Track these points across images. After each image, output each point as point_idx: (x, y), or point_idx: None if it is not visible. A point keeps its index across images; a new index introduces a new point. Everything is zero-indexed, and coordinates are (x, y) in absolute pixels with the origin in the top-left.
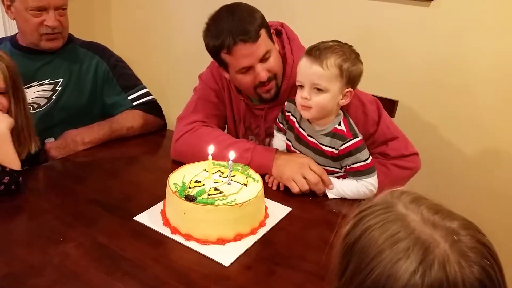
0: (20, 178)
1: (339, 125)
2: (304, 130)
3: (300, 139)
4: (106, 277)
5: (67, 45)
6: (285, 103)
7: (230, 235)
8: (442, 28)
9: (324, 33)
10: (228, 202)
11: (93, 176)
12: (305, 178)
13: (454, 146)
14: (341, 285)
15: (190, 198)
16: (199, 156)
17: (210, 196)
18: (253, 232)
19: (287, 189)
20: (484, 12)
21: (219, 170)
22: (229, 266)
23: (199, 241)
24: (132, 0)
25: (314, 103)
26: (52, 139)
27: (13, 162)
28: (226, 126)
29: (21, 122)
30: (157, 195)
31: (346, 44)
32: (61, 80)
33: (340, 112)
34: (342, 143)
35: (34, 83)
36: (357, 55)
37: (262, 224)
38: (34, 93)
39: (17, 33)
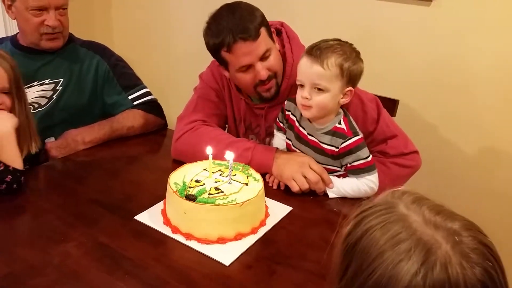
0: (22, 177)
1: (340, 123)
2: (304, 129)
3: (300, 137)
4: (107, 277)
5: (68, 45)
6: (285, 102)
7: (230, 235)
8: (442, 27)
9: (324, 32)
10: (228, 202)
11: (94, 175)
12: (305, 177)
13: (455, 146)
14: (342, 286)
15: (190, 198)
16: (199, 155)
17: (211, 196)
18: (253, 231)
19: (287, 188)
20: (484, 12)
21: (219, 170)
22: (229, 266)
23: (199, 240)
24: (133, 0)
25: (315, 103)
26: (53, 139)
27: (16, 162)
28: (227, 125)
29: (22, 121)
30: (158, 195)
31: (347, 42)
32: (62, 79)
33: (340, 110)
34: (343, 141)
35: (35, 83)
36: (358, 53)
37: (262, 223)
38: (34, 93)
39: (18, 33)
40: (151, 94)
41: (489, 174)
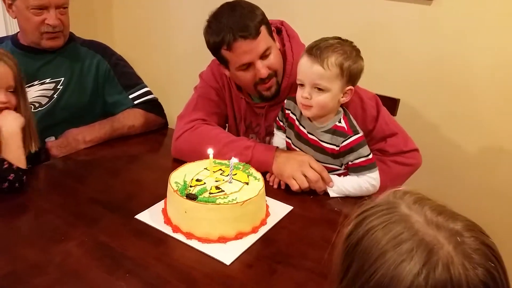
0: (24, 177)
1: (340, 122)
2: (304, 128)
3: (300, 136)
4: (108, 276)
5: (68, 44)
6: (285, 101)
7: (231, 234)
8: (443, 26)
9: (324, 31)
10: (229, 201)
11: (95, 174)
12: (305, 176)
13: (455, 145)
14: (343, 286)
15: (191, 197)
16: (199, 154)
17: (211, 195)
18: (254, 230)
19: (288, 187)
20: (485, 11)
21: (220, 169)
22: (230, 265)
23: (200, 239)
24: None
25: (315, 102)
26: (53, 138)
27: (20, 161)
28: (227, 124)
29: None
30: (159, 194)
31: (347, 41)
32: (63, 79)
33: (340, 109)
34: (343, 139)
35: (36, 82)
36: (358, 51)
37: (263, 222)
38: (35, 92)
39: (18, 32)
40: (152, 93)
41: (490, 173)
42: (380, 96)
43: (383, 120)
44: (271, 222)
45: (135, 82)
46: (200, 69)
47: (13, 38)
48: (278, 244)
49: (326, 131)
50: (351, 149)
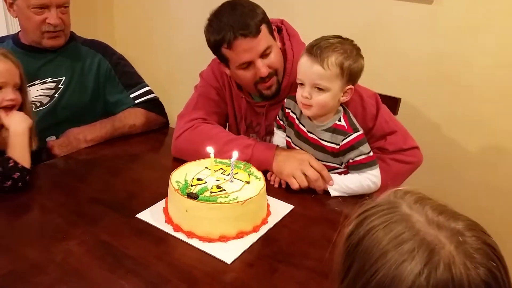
0: (28, 176)
1: (339, 120)
2: (303, 126)
3: (300, 135)
4: (109, 275)
5: (69, 43)
6: (285, 100)
7: (232, 233)
8: (444, 25)
9: (325, 31)
10: (230, 200)
11: (96, 174)
12: (305, 175)
13: (457, 143)
14: (344, 286)
15: (192, 196)
16: (199, 153)
17: (212, 194)
18: (255, 229)
19: (289, 186)
20: (486, 10)
21: (221, 168)
22: (231, 264)
23: (201, 238)
24: None
25: (315, 102)
26: (54, 138)
27: (26, 161)
28: (228, 124)
29: None
30: (160, 193)
31: (348, 39)
32: (64, 78)
33: (340, 108)
34: (344, 138)
35: (37, 82)
36: (358, 50)
37: (264, 221)
38: (36, 92)
39: (19, 31)
40: (153, 93)
41: (491, 171)
42: (381, 95)
43: (382, 118)
44: (272, 221)
45: (136, 81)
46: (201, 68)
47: (14, 38)
48: (279, 243)
49: (326, 130)
50: (351, 147)
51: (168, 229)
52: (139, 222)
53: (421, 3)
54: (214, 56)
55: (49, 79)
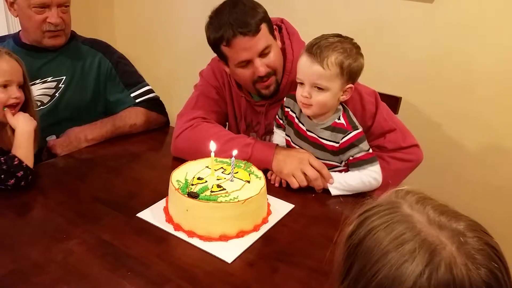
0: (31, 176)
1: (339, 119)
2: (303, 125)
3: (299, 134)
4: (110, 274)
5: (70, 42)
6: (284, 99)
7: (232, 232)
8: (445, 24)
9: (325, 29)
10: (230, 199)
11: (96, 173)
12: (304, 174)
13: (457, 143)
14: (345, 286)
15: (192, 195)
16: (199, 152)
17: (213, 193)
18: (255, 229)
19: (289, 186)
20: (487, 8)
21: (221, 167)
22: (232, 263)
23: (202, 238)
24: None
25: (315, 102)
26: (54, 137)
27: (29, 160)
28: (228, 123)
29: None
30: (160, 192)
31: (347, 38)
32: (64, 77)
33: (340, 106)
34: (343, 136)
35: (37, 81)
36: (358, 49)
37: (264, 221)
38: (37, 91)
39: (20, 30)
40: (153, 92)
41: (492, 171)
42: (381, 94)
43: (381, 116)
44: (273, 220)
45: (137, 80)
46: (202, 68)
47: (15, 37)
48: (279, 242)
49: (326, 128)
50: (351, 144)
51: (169, 228)
52: (140, 221)
53: (421, 2)
54: (214, 55)
55: (49, 79)
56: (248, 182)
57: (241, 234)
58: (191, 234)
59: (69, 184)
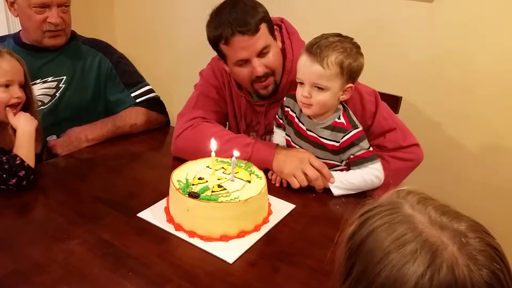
0: (32, 176)
1: (339, 118)
2: (303, 125)
3: (299, 133)
4: (111, 274)
5: (70, 42)
6: (284, 98)
7: (233, 232)
8: (445, 24)
9: (325, 29)
10: (231, 199)
11: (97, 173)
12: (305, 174)
13: (458, 143)
14: (346, 287)
15: (193, 195)
16: (199, 152)
17: (214, 193)
18: (256, 229)
19: (290, 185)
20: (487, 8)
21: (222, 167)
22: (233, 263)
23: (202, 238)
24: None
25: (315, 101)
26: (55, 137)
27: (31, 160)
28: (228, 123)
29: None
30: (161, 192)
31: (347, 37)
32: (65, 77)
33: (340, 106)
34: (343, 135)
35: (38, 81)
36: (358, 48)
37: (265, 221)
38: (37, 91)
39: (20, 30)
40: (154, 92)
41: (492, 170)
42: (381, 93)
43: (381, 115)
44: (274, 220)
45: (137, 80)
46: (202, 67)
47: (15, 37)
48: (280, 242)
49: (326, 128)
50: (351, 143)
51: (170, 228)
52: (141, 221)
53: (422, 2)
54: (215, 55)
55: (50, 79)
56: (249, 182)
57: (242, 234)
58: (192, 234)
59: (69, 184)
